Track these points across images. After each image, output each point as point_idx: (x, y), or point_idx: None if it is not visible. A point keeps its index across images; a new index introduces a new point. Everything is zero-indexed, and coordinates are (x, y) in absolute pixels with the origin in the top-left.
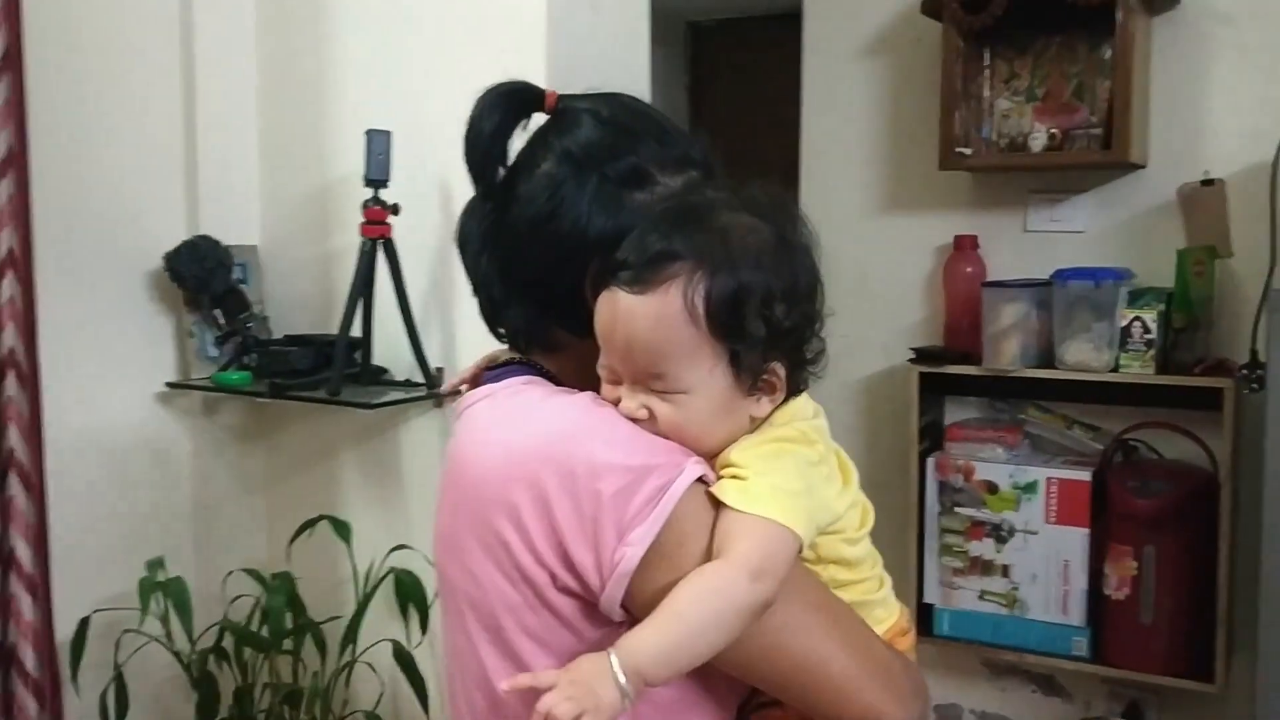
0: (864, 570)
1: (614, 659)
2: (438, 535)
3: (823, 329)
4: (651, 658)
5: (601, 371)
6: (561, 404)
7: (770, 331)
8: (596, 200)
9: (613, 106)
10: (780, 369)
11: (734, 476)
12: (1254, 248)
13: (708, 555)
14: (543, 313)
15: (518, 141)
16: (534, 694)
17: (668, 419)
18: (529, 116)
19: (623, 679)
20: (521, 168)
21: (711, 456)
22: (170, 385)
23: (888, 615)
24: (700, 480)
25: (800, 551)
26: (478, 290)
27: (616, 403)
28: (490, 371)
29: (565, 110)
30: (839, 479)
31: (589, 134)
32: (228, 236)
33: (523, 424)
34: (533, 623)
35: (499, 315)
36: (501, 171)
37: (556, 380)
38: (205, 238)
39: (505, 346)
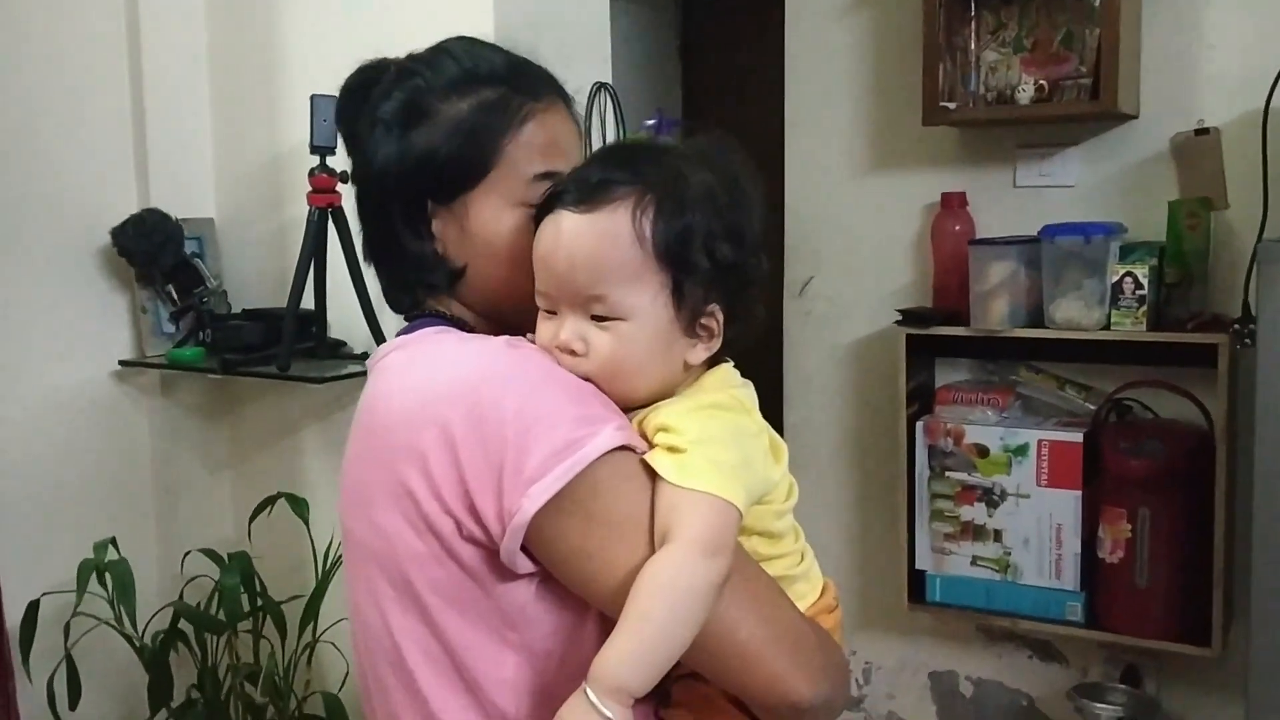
0: (786, 544)
1: (589, 692)
2: (344, 490)
3: (761, 287)
4: (629, 669)
5: (539, 302)
6: (474, 349)
7: (714, 267)
8: (380, 147)
9: (413, 56)
10: (719, 314)
11: (670, 447)
12: (1250, 198)
13: (638, 523)
14: (391, 272)
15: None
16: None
17: (603, 350)
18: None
19: (606, 709)
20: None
21: (640, 405)
22: (124, 363)
23: (810, 590)
24: (625, 448)
25: (739, 524)
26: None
27: (552, 340)
28: (404, 326)
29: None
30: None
31: (384, 91)
32: (181, 209)
33: (433, 369)
34: (439, 576)
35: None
36: None
37: (470, 329)
38: (153, 211)
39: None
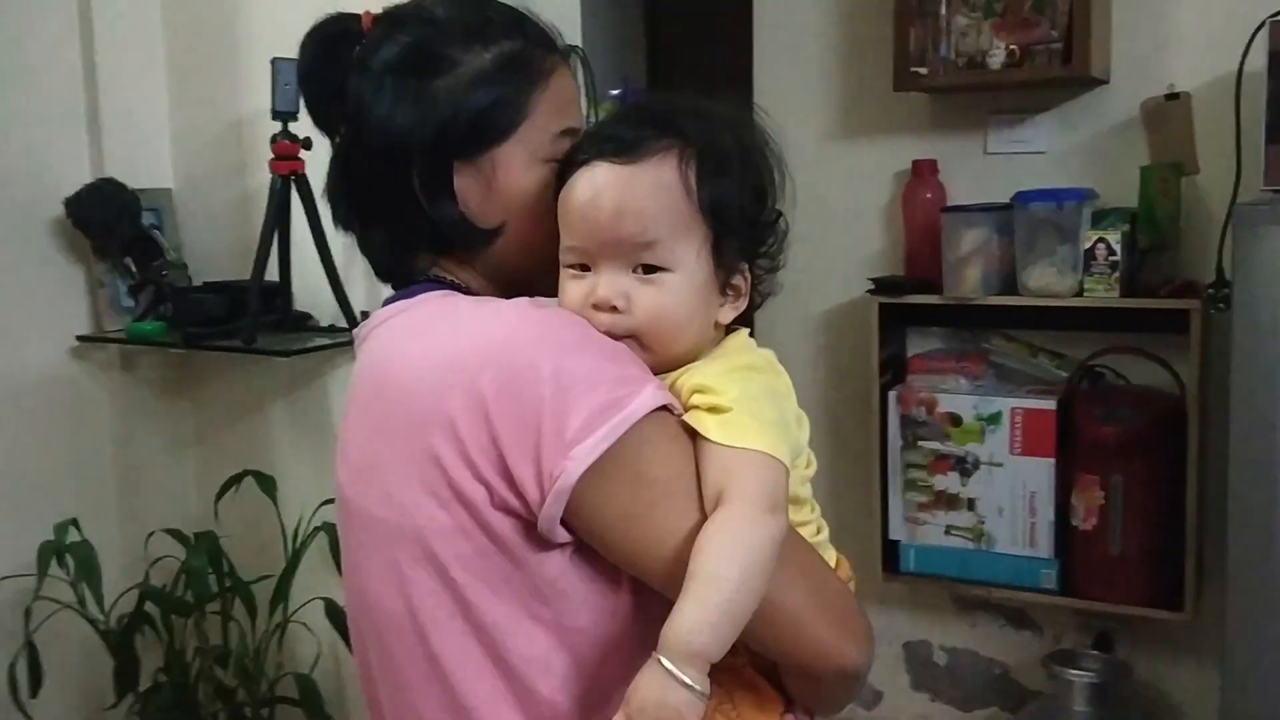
0: (806, 513)
1: (664, 660)
2: (346, 466)
3: (784, 245)
4: (707, 633)
5: (569, 257)
6: (498, 307)
7: (748, 226)
8: (396, 99)
9: (399, 6)
10: (747, 274)
11: (712, 407)
12: (1221, 163)
13: (685, 485)
14: (396, 237)
15: None
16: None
17: (647, 304)
18: (349, 46)
19: (684, 676)
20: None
21: (669, 368)
22: (81, 339)
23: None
24: (665, 408)
25: (788, 481)
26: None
27: (587, 298)
28: (397, 292)
29: (376, 28)
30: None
31: (380, 38)
32: (137, 179)
33: (455, 329)
34: (466, 549)
35: (366, 253)
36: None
37: (474, 294)
38: (109, 180)
39: None
